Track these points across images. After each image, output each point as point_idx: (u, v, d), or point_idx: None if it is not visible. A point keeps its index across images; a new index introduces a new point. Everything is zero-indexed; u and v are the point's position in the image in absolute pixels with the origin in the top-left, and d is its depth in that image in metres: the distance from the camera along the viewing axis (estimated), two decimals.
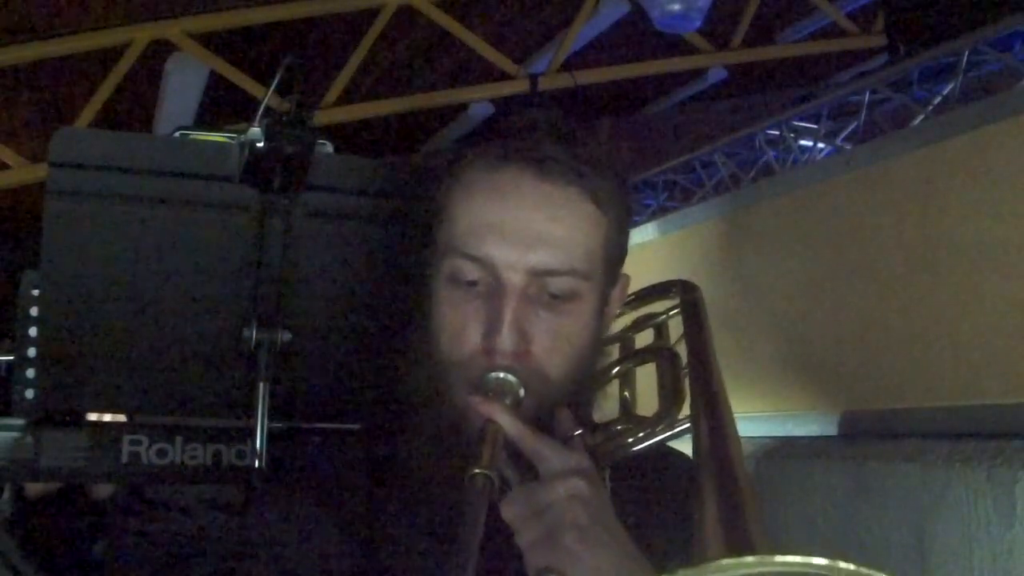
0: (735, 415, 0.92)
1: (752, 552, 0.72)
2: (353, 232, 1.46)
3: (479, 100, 4.95)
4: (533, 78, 4.84)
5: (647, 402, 1.11)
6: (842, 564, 0.60)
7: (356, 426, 1.46)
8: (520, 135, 1.01)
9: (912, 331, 1.68)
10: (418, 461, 1.04)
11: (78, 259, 1.36)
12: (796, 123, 2.47)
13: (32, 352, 1.49)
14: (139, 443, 1.48)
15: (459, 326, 0.99)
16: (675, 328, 1.25)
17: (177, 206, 1.37)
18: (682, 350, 1.12)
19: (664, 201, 2.91)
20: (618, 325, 1.19)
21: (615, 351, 1.22)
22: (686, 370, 1.05)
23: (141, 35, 4.16)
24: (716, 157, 2.70)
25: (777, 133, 2.51)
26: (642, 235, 2.49)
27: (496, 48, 4.80)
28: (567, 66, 4.90)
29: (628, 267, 1.16)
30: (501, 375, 0.97)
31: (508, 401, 0.95)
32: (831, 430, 1.83)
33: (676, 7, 4.22)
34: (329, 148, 1.46)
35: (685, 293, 1.23)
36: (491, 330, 0.97)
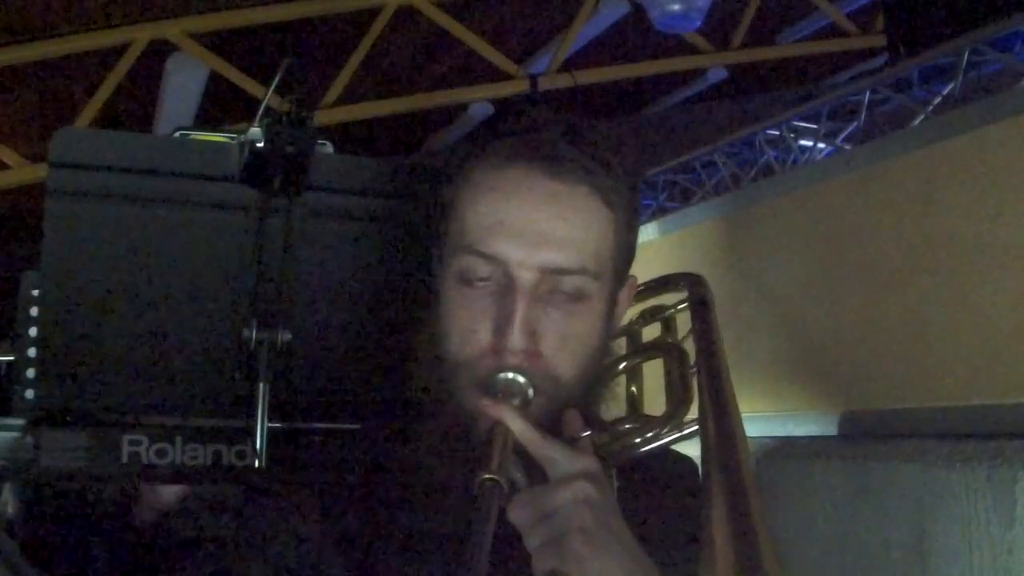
0: None
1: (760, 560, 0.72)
2: (353, 232, 1.46)
3: (479, 100, 4.95)
4: (533, 78, 4.84)
5: (654, 397, 1.11)
6: None
7: (356, 426, 1.45)
8: (529, 134, 1.01)
9: (912, 331, 1.68)
10: (425, 462, 1.03)
11: (78, 259, 1.36)
12: (796, 123, 2.47)
13: (32, 352, 1.49)
14: (139, 443, 1.48)
15: (468, 325, 0.99)
16: (681, 322, 1.24)
17: (177, 206, 1.38)
18: (689, 346, 1.12)
19: (664, 201, 2.91)
20: (624, 317, 1.19)
21: (622, 344, 1.21)
22: (693, 368, 1.05)
23: (141, 35, 4.16)
24: (716, 157, 2.70)
25: (777, 133, 2.51)
26: (642, 235, 2.47)
27: (496, 48, 4.79)
28: (567, 66, 4.90)
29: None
30: (510, 375, 0.96)
31: (516, 402, 0.95)
32: (831, 430, 1.83)
33: (676, 7, 4.22)
34: (329, 148, 1.46)
35: (694, 288, 1.23)
36: (501, 328, 0.97)
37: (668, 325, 1.25)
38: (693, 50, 5.12)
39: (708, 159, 2.74)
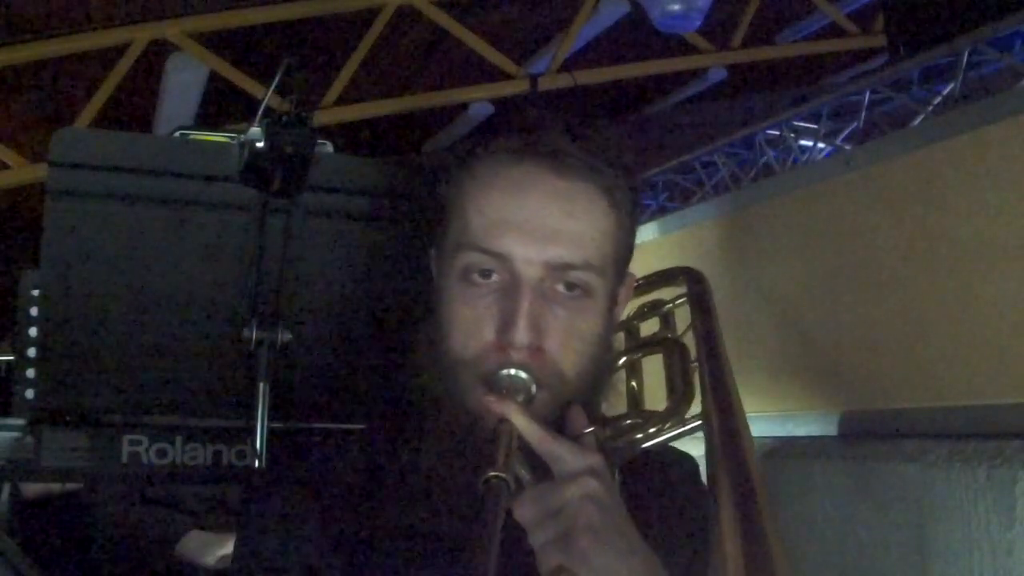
0: None
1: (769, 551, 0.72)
2: (353, 232, 1.46)
3: (479, 100, 4.95)
4: (533, 78, 4.84)
5: (653, 392, 1.11)
6: None
7: (356, 426, 1.45)
8: (532, 132, 1.02)
9: (912, 331, 1.68)
10: (428, 460, 1.03)
11: (78, 259, 1.36)
12: (796, 123, 2.46)
13: (32, 352, 1.49)
14: (139, 443, 1.48)
15: (472, 322, 0.99)
16: (680, 317, 1.24)
17: (177, 206, 1.38)
18: (688, 340, 1.12)
19: (664, 201, 2.91)
20: (623, 312, 1.18)
21: (621, 340, 1.21)
22: (694, 363, 1.05)
23: (141, 35, 4.16)
24: (716, 157, 2.70)
25: (777, 133, 2.51)
26: (642, 235, 2.47)
27: (496, 48, 4.79)
28: (567, 66, 4.90)
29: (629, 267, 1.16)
30: (513, 372, 0.96)
31: (520, 399, 0.95)
32: (831, 430, 1.83)
33: (676, 7, 4.22)
34: (329, 148, 1.46)
35: (692, 283, 1.23)
36: (506, 324, 0.97)
37: (667, 320, 1.25)
38: (693, 50, 5.12)
39: (708, 159, 2.73)
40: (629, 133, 5.23)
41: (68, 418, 1.46)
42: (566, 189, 1.00)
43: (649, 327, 1.26)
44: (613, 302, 1.06)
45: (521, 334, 0.96)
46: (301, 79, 1.33)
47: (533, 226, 0.98)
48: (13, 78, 4.24)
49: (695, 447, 1.04)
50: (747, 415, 0.93)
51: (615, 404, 1.10)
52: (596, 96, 5.13)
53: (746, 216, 2.18)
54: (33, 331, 1.49)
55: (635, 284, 1.22)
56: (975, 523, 1.42)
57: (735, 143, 2.64)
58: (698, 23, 4.40)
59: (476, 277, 0.99)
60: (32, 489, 3.04)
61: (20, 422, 1.48)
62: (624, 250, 1.07)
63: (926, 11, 2.54)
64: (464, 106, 5.03)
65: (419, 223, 1.43)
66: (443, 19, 4.57)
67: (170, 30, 4.17)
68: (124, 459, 1.47)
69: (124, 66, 4.18)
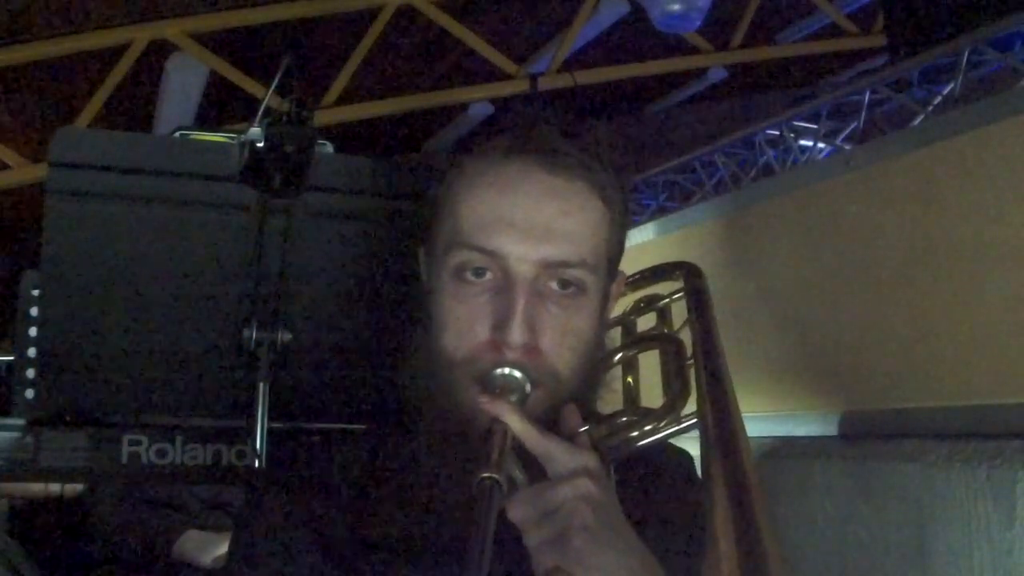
0: None
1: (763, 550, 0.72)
2: (353, 232, 1.46)
3: (479, 100, 4.95)
4: (533, 78, 4.84)
5: (649, 388, 1.11)
6: None
7: (356, 426, 1.45)
8: (524, 130, 1.02)
9: (912, 331, 1.68)
10: (423, 460, 1.03)
11: (78, 259, 1.36)
12: (796, 123, 2.46)
13: (32, 352, 1.49)
14: (139, 443, 1.48)
15: (465, 321, 0.99)
16: (676, 312, 1.24)
17: (177, 206, 1.38)
18: (684, 336, 1.11)
19: (664, 201, 2.91)
20: (619, 308, 1.18)
21: (616, 336, 1.21)
22: (691, 360, 1.05)
23: (141, 35, 4.16)
24: (716, 157, 2.70)
25: (777, 133, 2.51)
26: (642, 235, 2.49)
27: (496, 48, 4.79)
28: (567, 66, 4.90)
29: (628, 268, 1.15)
30: (507, 371, 0.96)
31: (514, 398, 0.95)
32: (831, 430, 1.82)
33: (676, 7, 4.22)
34: (329, 148, 1.46)
35: (690, 278, 1.22)
36: (501, 323, 0.96)
37: (663, 315, 1.24)
38: (693, 50, 5.12)
39: (708, 159, 2.73)
40: (629, 133, 5.23)
41: (68, 418, 1.46)
42: (558, 186, 1.00)
43: (645, 322, 1.25)
44: (606, 299, 1.06)
45: (516, 333, 0.95)
46: (301, 79, 1.33)
47: (526, 224, 0.98)
48: (13, 78, 4.24)
49: (691, 445, 1.04)
50: (747, 415, 0.93)
51: (610, 401, 1.09)
52: (596, 96, 5.13)
53: (746, 216, 2.18)
54: (33, 331, 1.49)
55: (631, 278, 1.21)
56: (975, 523, 1.42)
57: (735, 143, 2.65)
58: (698, 23, 4.40)
59: (469, 276, 0.99)
60: (25, 491, 3.04)
61: (20, 422, 1.48)
62: (616, 247, 1.07)
63: (926, 11, 2.54)
64: (464, 106, 5.03)
65: (418, 223, 1.43)
66: (443, 19, 4.57)
67: (170, 30, 4.17)
68: (124, 459, 1.47)
69: (124, 66, 4.18)
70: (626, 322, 1.24)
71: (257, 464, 1.41)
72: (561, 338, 0.99)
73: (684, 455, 1.16)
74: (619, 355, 1.15)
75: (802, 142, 2.45)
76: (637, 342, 1.18)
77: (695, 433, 0.95)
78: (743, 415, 0.93)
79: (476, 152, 1.03)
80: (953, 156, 1.64)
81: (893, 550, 1.56)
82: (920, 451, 1.55)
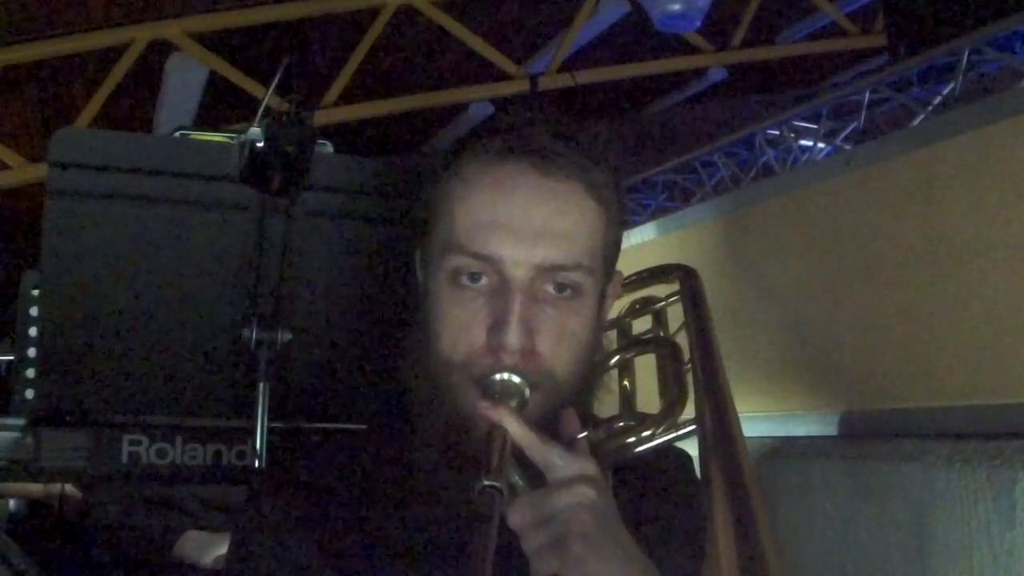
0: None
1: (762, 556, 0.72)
2: (353, 232, 1.46)
3: (479, 100, 4.96)
4: (533, 78, 4.85)
5: (646, 392, 1.11)
6: None
7: (356, 426, 1.45)
8: (518, 131, 1.01)
9: (912, 331, 1.68)
10: (422, 463, 1.03)
11: (78, 259, 1.37)
12: (796, 123, 2.46)
13: (32, 352, 1.49)
14: (139, 443, 1.48)
15: (462, 325, 0.98)
16: (672, 315, 1.24)
17: (177, 206, 1.38)
18: (682, 339, 1.11)
19: (664, 201, 2.91)
20: (614, 310, 1.18)
21: (612, 338, 1.20)
22: (687, 365, 1.04)
23: (141, 35, 4.17)
24: (716, 157, 2.70)
25: (777, 133, 2.51)
26: (642, 235, 2.49)
27: (496, 48, 4.80)
28: (567, 66, 4.91)
29: (627, 268, 1.15)
30: (506, 376, 0.96)
31: (514, 403, 0.94)
32: (831, 430, 1.83)
33: (676, 7, 4.22)
34: (329, 148, 1.46)
35: (686, 280, 1.22)
36: (498, 327, 0.96)
37: (659, 318, 1.24)
38: (693, 50, 5.13)
39: (708, 159, 2.73)
40: (629, 133, 5.23)
41: (68, 418, 1.46)
42: (553, 188, 0.99)
43: (641, 324, 1.25)
44: (603, 300, 1.06)
45: (513, 336, 0.95)
46: (301, 79, 1.33)
47: (521, 226, 0.97)
48: (13, 78, 4.24)
49: (690, 446, 1.03)
50: (747, 415, 0.93)
51: (607, 404, 1.09)
52: (596, 96, 5.13)
53: (746, 216, 2.18)
54: (33, 331, 1.49)
55: (627, 280, 1.21)
56: (975, 523, 1.42)
57: (735, 143, 2.65)
58: (698, 23, 4.40)
59: (465, 280, 0.99)
60: (25, 491, 3.04)
61: (20, 422, 1.48)
62: (612, 248, 1.06)
63: (926, 11, 2.54)
64: (464, 106, 5.03)
65: (417, 223, 1.43)
66: (443, 19, 4.57)
67: (170, 30, 4.18)
68: (124, 459, 1.47)
69: (124, 66, 4.19)
70: (622, 324, 1.24)
71: (257, 464, 1.41)
72: (558, 340, 0.99)
73: (683, 455, 1.16)
74: (615, 358, 1.15)
75: (802, 142, 2.45)
76: (633, 345, 1.18)
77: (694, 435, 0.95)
78: (742, 415, 0.93)
79: (470, 154, 1.03)
80: (953, 156, 1.64)
81: (893, 550, 1.56)
82: (920, 451, 1.54)
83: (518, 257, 0.97)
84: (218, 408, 1.49)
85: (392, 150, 5.57)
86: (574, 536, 0.85)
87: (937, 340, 1.63)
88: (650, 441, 0.99)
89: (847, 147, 2.30)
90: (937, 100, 2.11)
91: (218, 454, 1.51)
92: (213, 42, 4.28)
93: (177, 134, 1.46)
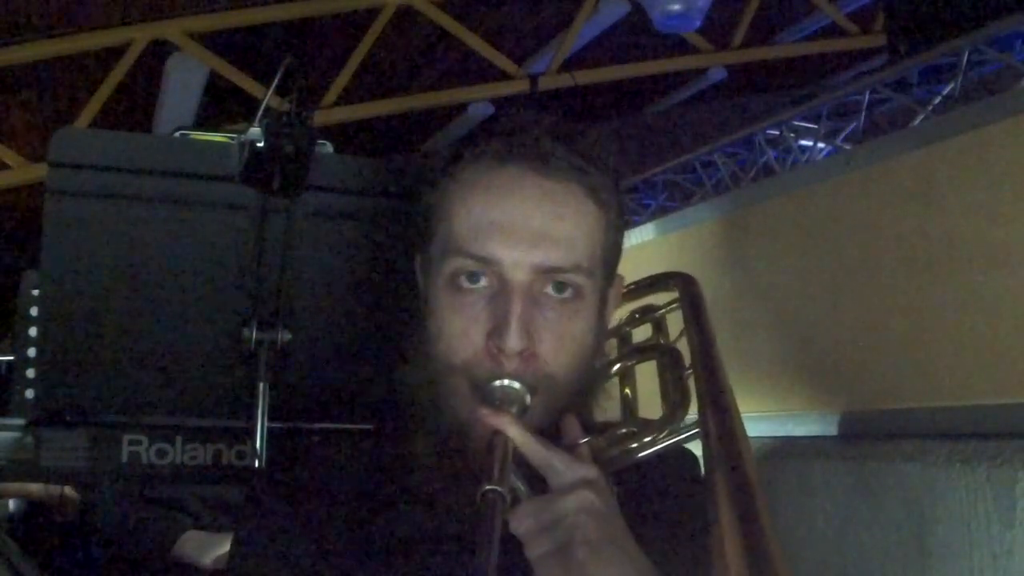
0: None
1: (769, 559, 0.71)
2: (353, 232, 1.46)
3: (479, 100, 4.95)
4: (533, 78, 4.85)
5: (647, 399, 1.11)
6: None
7: (356, 427, 1.45)
8: (517, 134, 1.01)
9: (912, 331, 1.68)
10: (421, 466, 1.03)
11: (78, 259, 1.37)
12: (796, 123, 2.47)
13: (32, 352, 1.49)
14: (139, 443, 1.48)
15: (461, 328, 0.98)
16: (672, 322, 1.24)
17: (177, 206, 1.38)
18: (682, 346, 1.11)
19: (664, 201, 2.91)
20: (614, 318, 1.18)
21: (613, 346, 1.20)
22: (689, 370, 1.04)
23: (141, 35, 4.17)
24: (716, 157, 2.70)
25: (777, 133, 2.51)
26: (642, 235, 2.49)
27: (496, 48, 4.80)
28: (567, 66, 4.91)
29: (627, 268, 1.15)
30: (506, 383, 0.95)
31: (514, 410, 0.94)
32: (831, 430, 1.82)
33: (676, 7, 4.22)
34: (329, 148, 1.46)
35: (685, 287, 1.22)
36: (498, 330, 0.95)
37: (659, 326, 1.24)
38: (693, 50, 5.13)
39: (708, 159, 2.74)
40: (629, 133, 5.23)
41: (68, 418, 1.46)
42: (552, 190, 0.99)
43: (641, 333, 1.25)
44: (603, 303, 1.05)
45: (513, 339, 0.95)
46: (301, 79, 1.33)
47: (520, 229, 0.97)
48: (13, 78, 4.24)
49: (692, 448, 1.03)
50: (747, 415, 0.93)
51: (609, 409, 1.09)
52: (596, 96, 5.13)
53: (746, 216, 2.18)
54: (33, 331, 1.49)
55: (626, 289, 1.21)
56: (975, 523, 1.42)
57: (735, 143, 2.65)
58: (698, 23, 4.40)
59: (464, 282, 0.98)
60: (25, 491, 3.04)
61: (20, 422, 1.48)
62: (612, 251, 1.06)
63: (926, 11, 2.54)
64: (464, 106, 5.03)
65: (417, 224, 1.44)
66: (443, 19, 4.57)
67: (170, 30, 4.17)
68: (124, 459, 1.47)
69: (124, 66, 4.18)
70: (622, 333, 1.24)
71: (257, 464, 1.41)
72: (558, 343, 0.98)
73: (689, 455, 1.15)
74: (616, 366, 1.15)
75: (802, 142, 2.45)
76: (634, 353, 1.18)
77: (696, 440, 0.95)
78: (744, 416, 0.93)
79: (469, 158, 1.02)
80: (953, 156, 1.64)
81: (893, 550, 1.56)
82: (920, 451, 1.54)
83: (517, 259, 0.97)
84: (218, 408, 1.50)
85: (392, 150, 5.57)
86: (577, 542, 0.84)
87: (937, 340, 1.63)
88: (652, 447, 0.99)
89: (847, 147, 2.30)
90: (937, 100, 2.11)
91: (218, 454, 1.51)
92: (213, 42, 4.28)
93: (177, 134, 1.46)
